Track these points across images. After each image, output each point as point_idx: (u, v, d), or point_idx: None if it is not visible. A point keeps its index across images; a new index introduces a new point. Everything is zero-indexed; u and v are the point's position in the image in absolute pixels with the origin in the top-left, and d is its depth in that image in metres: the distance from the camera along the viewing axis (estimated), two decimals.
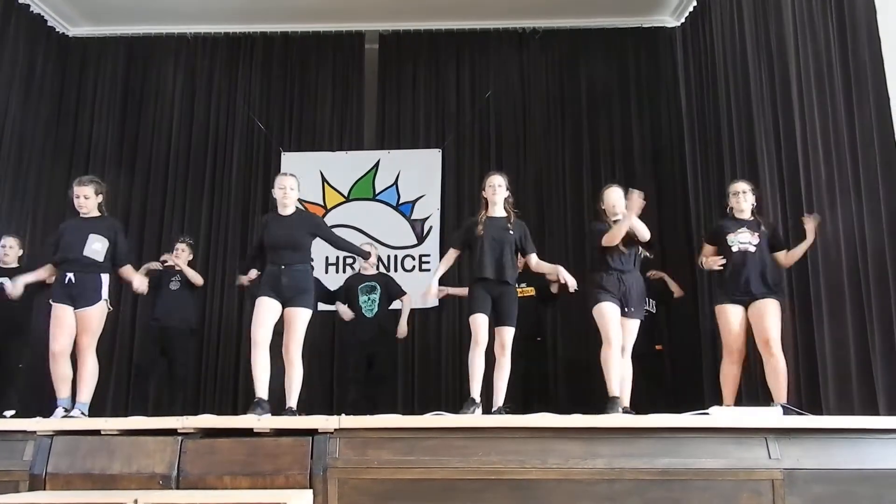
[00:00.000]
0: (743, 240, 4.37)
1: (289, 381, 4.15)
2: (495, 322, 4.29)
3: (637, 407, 4.42)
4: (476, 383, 4.19)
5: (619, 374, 4.20)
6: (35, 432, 3.24)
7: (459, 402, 4.14)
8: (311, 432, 3.14)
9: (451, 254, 4.55)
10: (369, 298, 5.57)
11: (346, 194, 7.25)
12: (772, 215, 5.07)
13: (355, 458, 3.11)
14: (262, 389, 4.02)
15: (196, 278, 5.74)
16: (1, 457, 3.24)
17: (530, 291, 5.88)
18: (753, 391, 5.07)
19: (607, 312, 4.25)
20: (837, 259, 4.48)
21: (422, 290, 6.66)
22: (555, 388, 6.43)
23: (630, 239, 4.35)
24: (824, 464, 3.08)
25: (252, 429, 3.17)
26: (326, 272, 6.86)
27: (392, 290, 5.73)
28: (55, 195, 6.72)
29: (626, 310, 4.35)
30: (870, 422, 3.22)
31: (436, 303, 6.78)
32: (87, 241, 4.33)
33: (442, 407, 4.22)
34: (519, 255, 5.83)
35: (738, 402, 5.05)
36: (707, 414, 3.41)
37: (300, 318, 4.16)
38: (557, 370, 6.51)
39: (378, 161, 7.25)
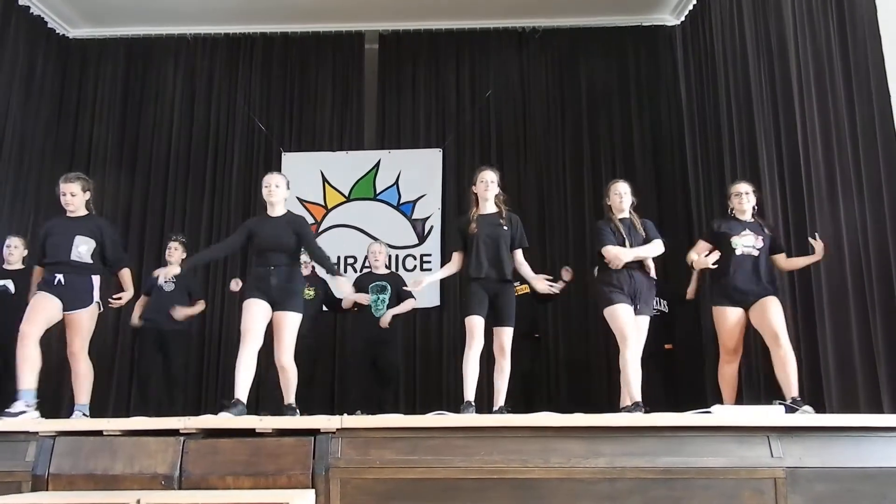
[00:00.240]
0: (747, 243, 4.33)
1: (284, 383, 4.16)
2: (494, 322, 4.23)
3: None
4: (471, 386, 4.13)
5: (638, 376, 4.09)
6: (37, 433, 3.24)
7: (461, 401, 4.11)
8: (314, 432, 3.13)
9: (457, 257, 4.40)
10: (379, 298, 5.50)
11: (346, 194, 7.25)
12: (772, 214, 5.07)
13: (357, 457, 3.10)
14: (241, 391, 3.97)
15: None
16: (3, 457, 3.24)
17: (526, 289, 5.87)
18: (755, 390, 5.08)
19: (621, 315, 4.15)
20: (840, 256, 4.48)
21: (424, 290, 6.71)
22: (556, 387, 6.44)
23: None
24: (827, 462, 3.07)
25: (254, 429, 3.17)
26: (327, 272, 6.85)
27: (402, 292, 5.62)
28: (56, 196, 6.69)
29: (636, 307, 4.26)
30: (872, 420, 3.21)
31: (437, 302, 6.81)
32: (74, 244, 4.24)
33: (444, 407, 4.20)
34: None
35: (740, 400, 5.06)
36: (709, 412, 3.40)
37: (289, 322, 4.12)
38: (558, 369, 6.52)
39: (379, 161, 7.26)
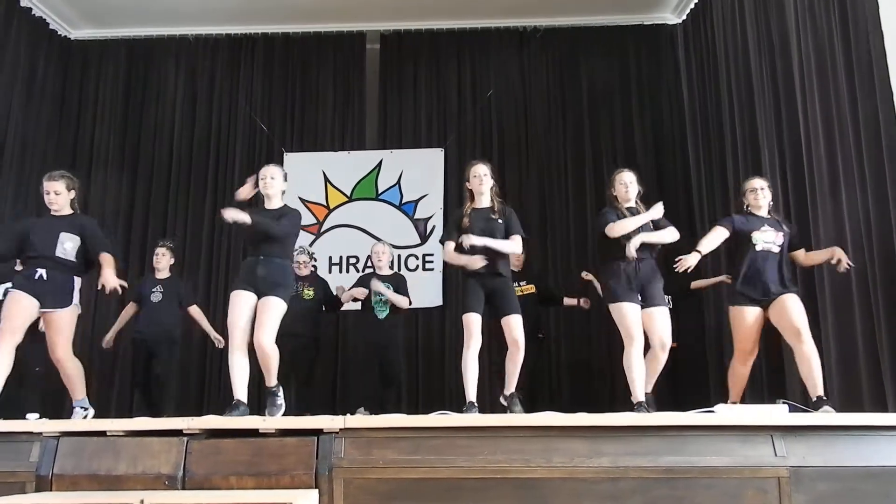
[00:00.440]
0: (768, 239, 4.21)
1: (263, 363, 3.96)
2: (499, 314, 4.14)
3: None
4: (471, 386, 4.06)
5: (643, 375, 4.02)
6: (41, 433, 3.24)
7: (464, 401, 4.10)
8: (317, 432, 3.13)
9: (449, 247, 4.27)
10: (382, 299, 5.47)
11: (348, 194, 7.26)
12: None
13: (360, 457, 3.10)
14: (240, 391, 3.89)
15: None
16: (7, 458, 3.24)
17: (530, 289, 5.86)
18: (758, 389, 5.07)
19: (627, 313, 4.06)
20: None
21: (425, 288, 6.72)
22: (559, 386, 6.44)
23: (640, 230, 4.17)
24: (830, 461, 3.06)
25: (257, 429, 3.17)
26: (330, 272, 6.88)
27: (402, 292, 5.57)
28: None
29: (645, 300, 4.13)
30: (876, 419, 3.20)
31: (439, 302, 6.82)
32: (59, 241, 4.08)
33: (446, 406, 4.19)
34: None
35: (743, 399, 5.05)
36: (712, 412, 3.40)
37: (273, 306, 3.97)
38: (561, 369, 6.52)
39: (380, 161, 7.26)
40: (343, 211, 7.21)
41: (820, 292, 4.62)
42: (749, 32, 5.60)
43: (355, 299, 5.60)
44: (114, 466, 3.11)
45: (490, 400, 4.93)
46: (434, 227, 7.06)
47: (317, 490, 3.02)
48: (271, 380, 3.99)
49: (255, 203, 4.27)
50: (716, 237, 4.27)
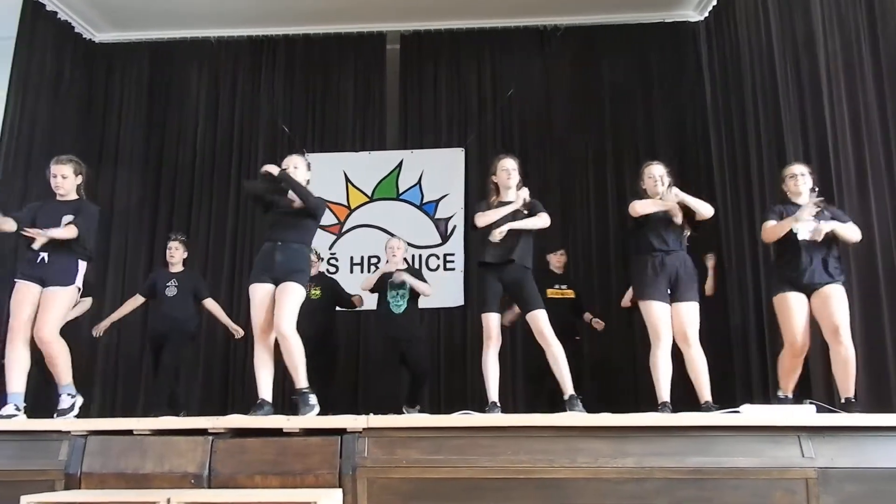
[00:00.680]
0: (809, 226, 4.03)
1: (289, 359, 3.84)
2: (522, 311, 4.10)
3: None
4: (493, 387, 4.04)
5: (668, 376, 3.97)
6: (69, 432, 3.29)
7: (486, 401, 4.09)
8: (340, 432, 3.15)
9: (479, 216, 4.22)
10: (398, 293, 5.45)
11: (369, 194, 7.28)
12: None
13: (384, 457, 3.11)
14: (265, 391, 3.84)
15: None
16: (37, 456, 3.29)
17: (570, 294, 5.86)
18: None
19: (655, 311, 4.01)
20: (871, 250, 4.38)
21: (446, 288, 6.71)
22: (582, 386, 6.40)
23: (668, 219, 4.12)
24: (859, 462, 3.02)
25: (281, 429, 3.19)
26: (351, 272, 6.91)
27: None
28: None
29: (676, 293, 4.05)
30: None
31: (461, 302, 6.81)
32: (62, 223, 4.00)
33: (468, 406, 4.18)
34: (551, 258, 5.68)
35: (768, 399, 4.99)
36: (738, 412, 3.37)
37: (290, 291, 3.88)
38: (584, 368, 6.47)
39: (401, 161, 7.27)
40: (364, 211, 7.23)
41: (847, 289, 4.53)
42: (773, 29, 5.52)
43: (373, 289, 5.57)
44: (141, 465, 3.15)
45: (513, 400, 4.92)
46: (455, 226, 7.06)
47: (341, 489, 3.03)
48: (301, 380, 3.86)
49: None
50: (771, 226, 4.12)
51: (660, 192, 4.20)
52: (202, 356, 6.76)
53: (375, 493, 3.05)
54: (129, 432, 3.25)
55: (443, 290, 6.52)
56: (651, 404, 4.06)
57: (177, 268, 5.67)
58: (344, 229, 7.18)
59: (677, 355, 4.09)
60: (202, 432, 3.19)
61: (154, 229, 7.14)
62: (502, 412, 3.99)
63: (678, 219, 4.14)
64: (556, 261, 6.04)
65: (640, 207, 4.16)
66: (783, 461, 3.01)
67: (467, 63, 7.43)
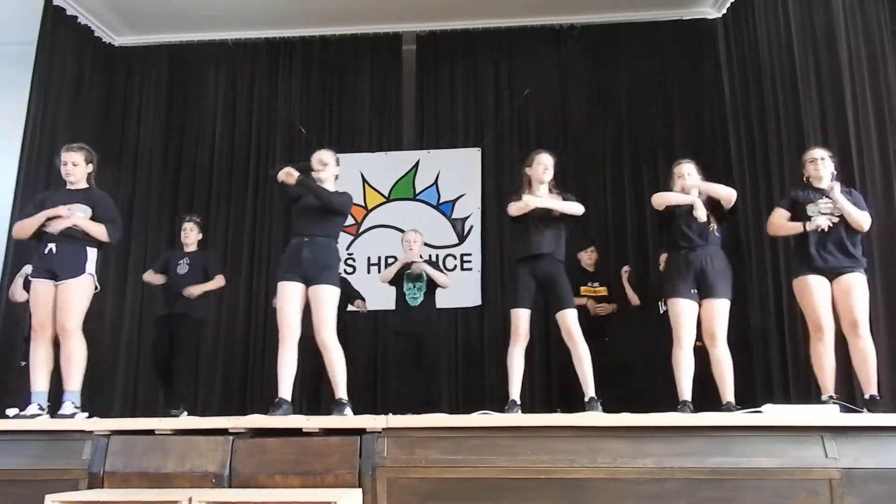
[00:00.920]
0: (825, 211, 3.99)
1: (331, 369, 3.86)
2: (553, 309, 4.06)
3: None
4: (516, 384, 4.01)
5: (690, 375, 3.93)
6: (92, 432, 3.32)
7: (505, 400, 4.07)
8: (360, 431, 3.16)
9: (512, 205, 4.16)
10: (414, 286, 5.44)
11: (386, 195, 7.29)
12: None
13: (403, 457, 3.11)
14: (284, 390, 3.81)
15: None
16: (61, 456, 3.33)
17: (603, 291, 5.84)
18: (804, 386, 4.94)
19: (681, 310, 3.98)
20: (893, 254, 4.33)
21: (464, 288, 6.69)
22: (602, 386, 6.36)
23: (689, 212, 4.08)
24: (883, 463, 2.99)
25: (301, 429, 3.20)
26: (368, 272, 6.93)
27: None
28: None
29: (702, 291, 4.00)
30: None
31: (478, 301, 6.80)
32: (72, 212, 3.98)
33: (487, 406, 4.17)
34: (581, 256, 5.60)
35: (788, 399, 4.94)
36: (760, 412, 3.34)
37: (325, 295, 3.86)
38: (603, 367, 6.44)
39: (418, 161, 7.28)
40: (381, 211, 7.25)
41: (871, 282, 4.46)
42: (793, 25, 5.46)
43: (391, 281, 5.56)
44: (162, 464, 3.18)
45: (532, 399, 4.90)
46: (472, 226, 7.06)
47: (360, 489, 3.04)
48: (340, 391, 3.87)
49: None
50: (781, 218, 4.14)
51: (688, 191, 4.16)
52: (222, 356, 6.81)
53: (395, 492, 3.06)
54: (150, 432, 3.28)
55: (460, 290, 6.52)
56: (672, 405, 4.02)
57: (191, 248, 5.70)
58: (361, 230, 7.20)
59: (700, 354, 4.05)
60: (223, 432, 3.21)
61: (173, 231, 7.18)
62: (522, 412, 3.98)
63: (699, 212, 4.08)
64: (588, 258, 6.03)
65: (660, 199, 4.16)
66: (806, 461, 2.98)
67: (483, 63, 7.42)
